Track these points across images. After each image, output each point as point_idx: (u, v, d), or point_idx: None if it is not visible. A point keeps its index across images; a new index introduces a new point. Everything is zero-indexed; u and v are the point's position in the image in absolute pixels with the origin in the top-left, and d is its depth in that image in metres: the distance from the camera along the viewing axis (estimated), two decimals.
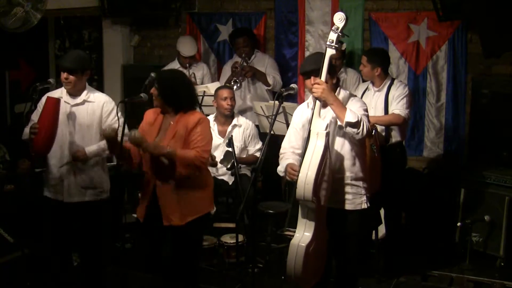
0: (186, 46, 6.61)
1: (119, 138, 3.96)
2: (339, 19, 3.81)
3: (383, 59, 5.36)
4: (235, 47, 6.54)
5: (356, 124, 3.73)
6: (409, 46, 6.30)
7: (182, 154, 3.94)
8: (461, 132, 6.24)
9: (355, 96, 4.14)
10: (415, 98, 6.17)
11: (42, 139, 4.20)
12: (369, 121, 3.92)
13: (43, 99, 4.31)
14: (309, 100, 4.12)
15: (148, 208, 4.13)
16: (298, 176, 3.73)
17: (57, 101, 4.26)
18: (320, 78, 3.81)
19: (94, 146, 4.38)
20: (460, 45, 6.12)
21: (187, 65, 6.56)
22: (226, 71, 6.59)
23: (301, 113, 4.15)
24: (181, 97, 4.08)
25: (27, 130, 4.29)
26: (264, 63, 6.51)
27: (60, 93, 4.43)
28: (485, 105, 5.85)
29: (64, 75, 4.31)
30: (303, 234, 3.78)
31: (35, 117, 4.32)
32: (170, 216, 4.04)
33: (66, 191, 4.38)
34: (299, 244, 3.75)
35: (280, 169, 4.10)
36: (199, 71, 6.72)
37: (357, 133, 3.76)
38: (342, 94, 4.01)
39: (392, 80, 5.33)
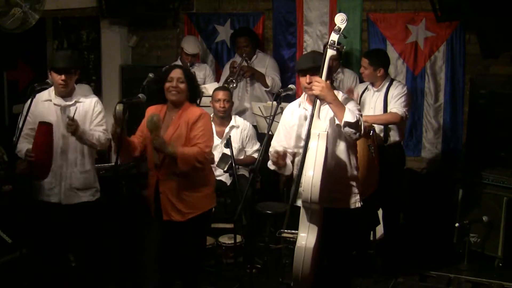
0: (190, 44, 6.63)
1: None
2: (341, 20, 3.82)
3: (384, 60, 5.36)
4: (236, 46, 6.53)
5: (354, 124, 3.72)
6: (407, 47, 6.31)
7: (184, 152, 3.96)
8: (459, 133, 6.24)
9: (348, 97, 4.14)
10: (414, 99, 6.17)
11: (39, 166, 4.20)
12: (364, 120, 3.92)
13: (28, 103, 4.22)
14: (301, 99, 4.12)
15: (154, 203, 4.16)
16: (299, 180, 3.74)
17: (49, 126, 4.22)
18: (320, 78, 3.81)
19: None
20: (458, 46, 6.13)
21: (189, 64, 6.56)
22: (227, 70, 6.59)
23: (291, 112, 4.13)
24: (198, 92, 4.31)
25: (20, 146, 4.27)
26: (264, 63, 6.49)
27: (47, 95, 4.38)
28: (483, 105, 5.86)
29: (61, 77, 4.27)
30: (307, 236, 3.75)
31: (27, 126, 4.25)
32: (170, 212, 4.08)
33: (63, 194, 4.38)
34: (306, 246, 3.72)
35: (270, 163, 4.10)
36: (201, 71, 6.71)
37: (355, 133, 3.75)
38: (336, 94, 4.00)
39: (391, 80, 5.34)
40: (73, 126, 4.15)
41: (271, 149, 4.12)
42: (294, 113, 4.10)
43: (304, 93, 4.07)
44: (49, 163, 4.26)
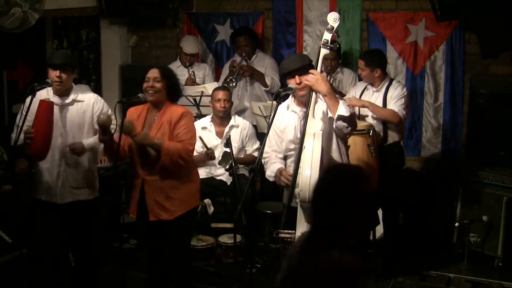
0: (189, 44, 6.63)
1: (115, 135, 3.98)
2: (333, 19, 3.82)
3: (381, 59, 5.36)
4: (236, 46, 6.53)
5: (348, 118, 3.71)
6: (407, 46, 6.31)
7: (169, 145, 3.98)
8: (459, 132, 6.24)
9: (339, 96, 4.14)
10: (413, 98, 6.18)
11: (39, 144, 4.17)
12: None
13: (27, 101, 4.23)
14: (288, 101, 4.11)
15: (139, 204, 4.16)
16: (295, 180, 3.73)
17: (51, 103, 4.22)
18: None
19: (90, 139, 4.38)
20: (458, 45, 6.13)
21: (188, 64, 6.56)
22: (226, 69, 6.59)
23: (281, 116, 4.11)
24: (178, 91, 4.24)
25: (13, 135, 4.25)
26: (264, 63, 6.49)
27: (46, 94, 4.37)
28: (483, 105, 5.85)
29: (56, 73, 4.26)
30: None
31: (27, 122, 4.22)
32: (157, 211, 4.10)
33: (59, 193, 4.37)
34: None
35: (270, 174, 4.10)
36: (200, 71, 6.72)
37: (347, 127, 3.75)
38: None
39: (391, 80, 5.34)
40: (77, 150, 4.25)
41: (265, 155, 4.10)
42: (284, 117, 4.09)
43: (291, 95, 4.07)
44: (48, 141, 4.23)
